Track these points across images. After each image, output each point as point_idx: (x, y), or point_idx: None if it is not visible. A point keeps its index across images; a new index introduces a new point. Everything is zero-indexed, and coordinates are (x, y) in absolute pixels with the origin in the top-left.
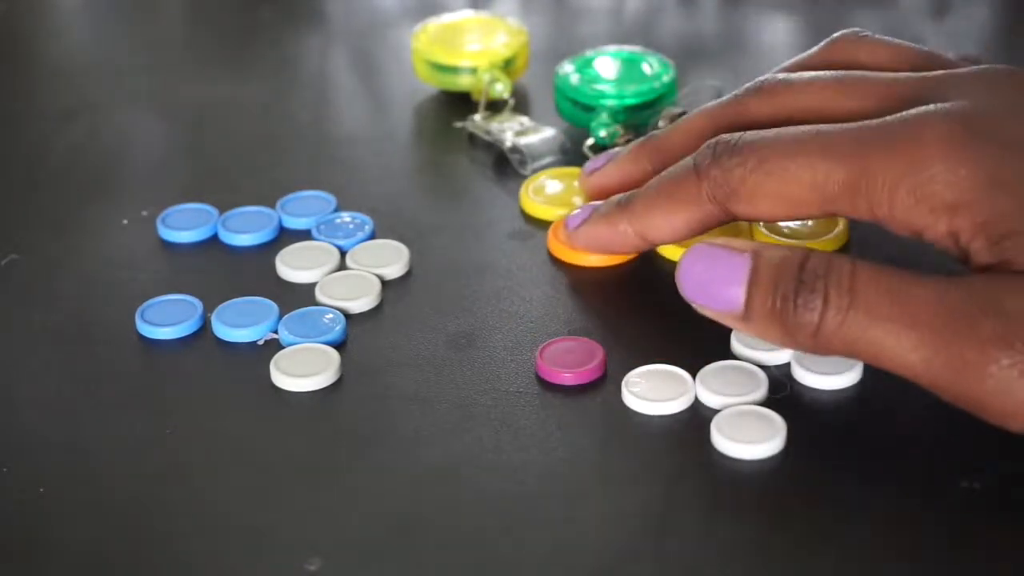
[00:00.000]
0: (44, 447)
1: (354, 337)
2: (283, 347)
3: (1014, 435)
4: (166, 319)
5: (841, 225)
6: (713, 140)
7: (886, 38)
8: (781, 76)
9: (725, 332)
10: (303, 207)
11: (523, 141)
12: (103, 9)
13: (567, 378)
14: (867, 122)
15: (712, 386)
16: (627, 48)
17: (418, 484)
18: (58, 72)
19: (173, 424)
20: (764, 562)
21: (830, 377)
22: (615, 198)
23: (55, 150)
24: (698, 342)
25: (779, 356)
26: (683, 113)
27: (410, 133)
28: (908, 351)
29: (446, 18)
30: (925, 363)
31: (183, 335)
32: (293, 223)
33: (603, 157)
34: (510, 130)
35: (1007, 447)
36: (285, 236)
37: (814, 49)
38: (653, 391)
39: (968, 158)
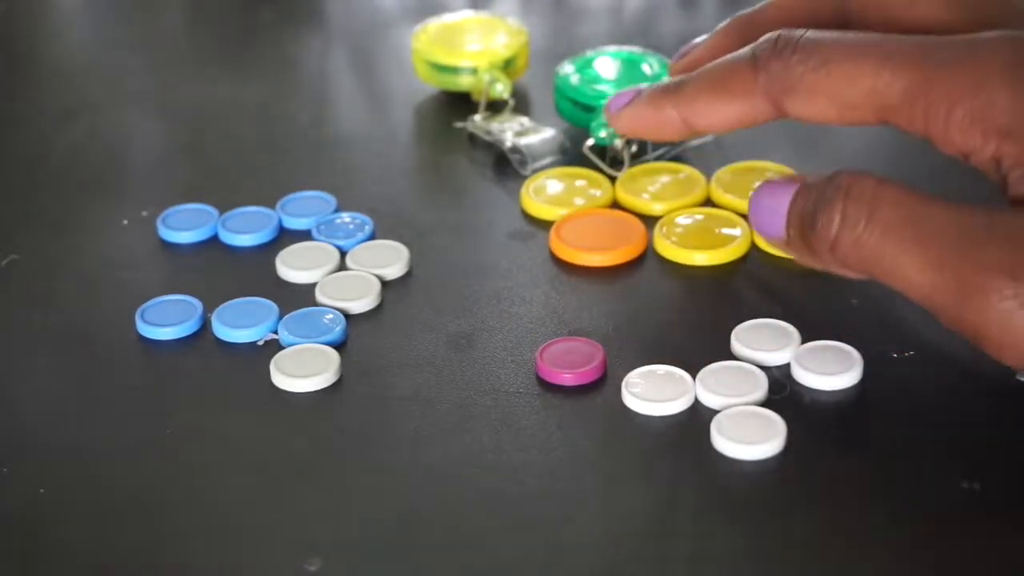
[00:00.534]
0: (44, 447)
1: (354, 337)
2: (283, 347)
3: (1010, 440)
4: (166, 319)
5: None
6: (775, 34)
7: None
8: None
9: (725, 332)
10: (303, 207)
11: (523, 141)
12: (103, 9)
13: (567, 378)
14: (936, 37)
15: (712, 386)
16: (627, 48)
17: (418, 484)
18: (58, 72)
19: (173, 424)
20: (764, 562)
21: (830, 377)
22: (662, 82)
23: (55, 150)
24: (698, 342)
25: (779, 356)
26: None
27: (410, 133)
28: (916, 272)
29: (446, 18)
30: (930, 285)
31: (183, 335)
32: (293, 223)
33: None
34: (510, 130)
35: (1007, 447)
36: (285, 236)
37: None
38: (653, 391)
39: None
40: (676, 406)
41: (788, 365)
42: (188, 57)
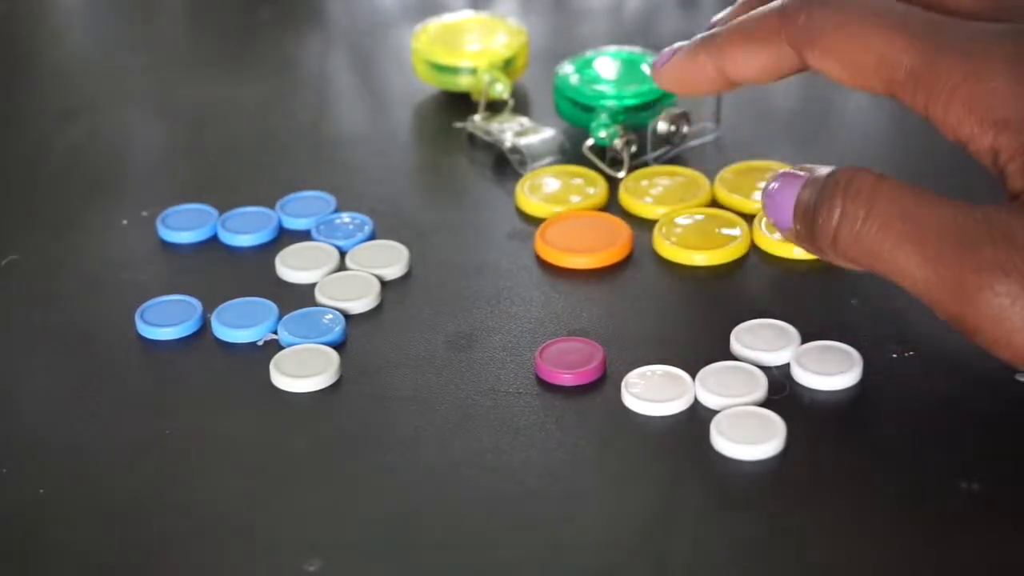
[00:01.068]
0: (44, 447)
1: (354, 338)
2: (283, 348)
3: (1010, 440)
4: (166, 319)
5: None
6: None
7: None
8: None
9: (725, 332)
10: (303, 207)
11: (523, 141)
12: (103, 9)
13: (567, 379)
14: (950, 20)
15: (711, 387)
16: (627, 48)
17: (418, 484)
18: (58, 72)
19: (173, 424)
20: (764, 562)
21: (830, 377)
22: (699, 35)
23: (55, 150)
24: (698, 342)
25: (779, 356)
26: (683, 113)
27: (410, 133)
28: (914, 267)
29: (446, 18)
30: (926, 281)
31: (183, 335)
32: (293, 223)
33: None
34: (510, 130)
35: (1007, 447)
36: (285, 236)
37: None
38: (653, 392)
39: None
40: (676, 406)
41: (788, 365)
42: (188, 57)
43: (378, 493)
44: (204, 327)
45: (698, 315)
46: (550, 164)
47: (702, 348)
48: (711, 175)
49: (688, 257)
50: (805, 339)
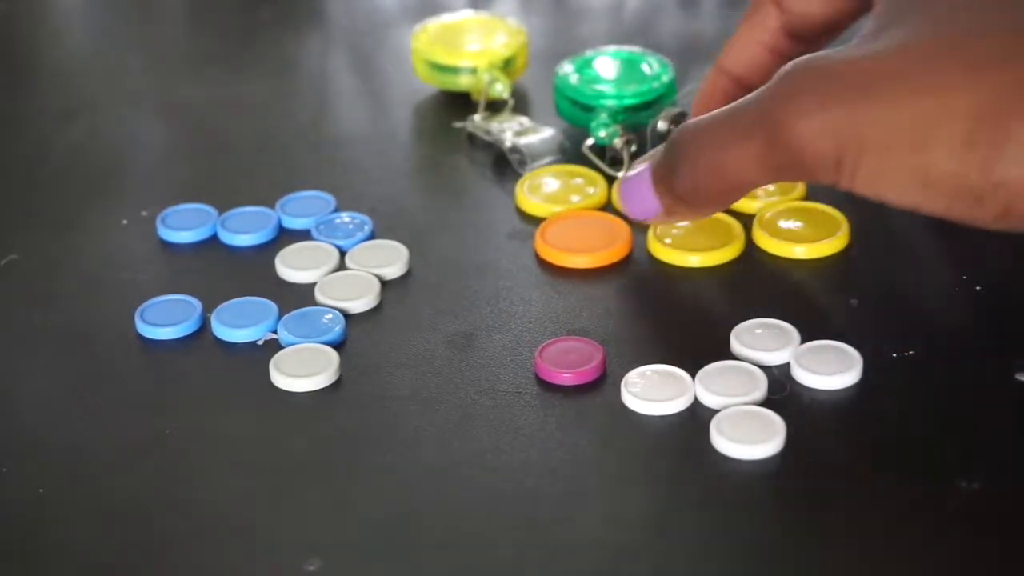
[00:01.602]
0: (44, 447)
1: (354, 337)
2: (283, 347)
3: (1010, 440)
4: (166, 319)
5: (843, 228)
6: None
7: None
8: None
9: (725, 332)
10: (303, 207)
11: (523, 141)
12: (103, 9)
13: (567, 378)
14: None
15: (711, 386)
16: (627, 48)
17: (418, 484)
18: (58, 72)
19: (173, 424)
20: (764, 562)
21: (830, 377)
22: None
23: (55, 150)
24: (697, 342)
25: (779, 356)
26: (682, 113)
27: (410, 133)
28: (748, 164)
29: (446, 18)
30: (765, 182)
31: (183, 335)
32: (293, 223)
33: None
34: (510, 130)
35: (1007, 447)
36: (285, 236)
37: None
38: (653, 391)
39: None
40: (675, 406)
41: (788, 365)
42: (188, 57)
43: (378, 493)
44: (204, 327)
45: (698, 315)
46: (550, 164)
47: (702, 348)
48: None
49: (683, 259)
50: (805, 339)
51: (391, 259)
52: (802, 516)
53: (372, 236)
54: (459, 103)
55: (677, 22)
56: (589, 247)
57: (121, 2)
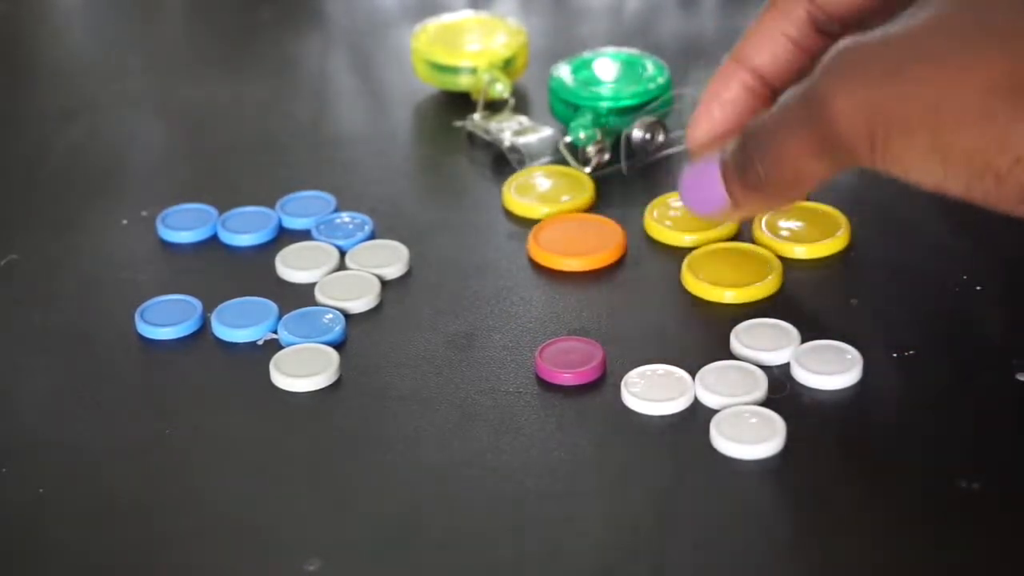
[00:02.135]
0: (44, 447)
1: (354, 337)
2: (283, 347)
3: (1010, 440)
4: (166, 319)
5: (844, 228)
6: None
7: None
8: None
9: (725, 332)
10: (303, 207)
11: (522, 140)
12: (103, 9)
13: (567, 378)
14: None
15: (711, 386)
16: (624, 50)
17: (418, 484)
18: (58, 72)
19: (173, 424)
20: (764, 562)
21: (830, 377)
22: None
23: (55, 150)
24: (698, 342)
25: (779, 356)
26: (659, 122)
27: (410, 133)
28: (809, 156)
29: (446, 18)
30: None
31: (183, 335)
32: (293, 223)
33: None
34: (509, 130)
35: (1007, 447)
36: (285, 236)
37: None
38: (652, 391)
39: None
40: (675, 406)
41: (788, 365)
42: (188, 57)
43: (378, 493)
44: (204, 327)
45: (698, 315)
46: (549, 163)
47: (702, 347)
48: None
49: (679, 240)
50: (805, 339)
51: (391, 259)
52: (802, 516)
53: (372, 236)
54: (459, 103)
55: (677, 22)
56: (582, 250)
57: (121, 2)
